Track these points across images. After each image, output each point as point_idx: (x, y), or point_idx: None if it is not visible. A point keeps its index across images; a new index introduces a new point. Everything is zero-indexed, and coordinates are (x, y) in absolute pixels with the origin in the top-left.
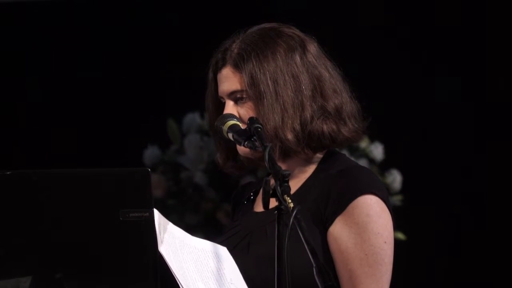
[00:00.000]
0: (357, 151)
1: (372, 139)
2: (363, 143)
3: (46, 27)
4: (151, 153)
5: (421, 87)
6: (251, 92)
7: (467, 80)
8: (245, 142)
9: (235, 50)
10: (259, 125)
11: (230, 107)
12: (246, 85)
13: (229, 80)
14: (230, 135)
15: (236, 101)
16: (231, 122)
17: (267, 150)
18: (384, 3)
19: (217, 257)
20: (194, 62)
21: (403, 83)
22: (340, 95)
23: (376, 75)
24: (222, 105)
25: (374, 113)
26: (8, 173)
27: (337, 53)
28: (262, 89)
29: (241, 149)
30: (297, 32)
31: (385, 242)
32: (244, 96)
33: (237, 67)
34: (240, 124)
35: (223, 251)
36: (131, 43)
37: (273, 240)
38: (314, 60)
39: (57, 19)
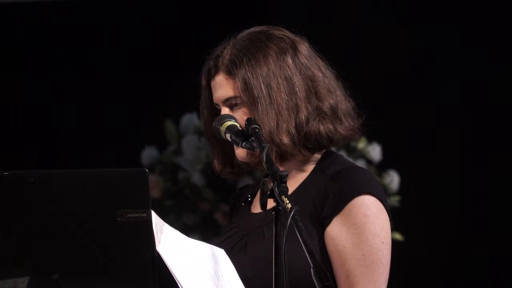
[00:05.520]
0: (355, 152)
1: (370, 140)
2: (361, 144)
3: (46, 28)
4: (148, 153)
5: (420, 88)
6: (245, 98)
7: (467, 81)
8: (242, 142)
9: (227, 57)
10: (257, 126)
11: (225, 114)
12: (240, 91)
13: (222, 87)
14: (227, 136)
15: (232, 107)
16: (229, 122)
17: (265, 150)
18: (384, 2)
19: (214, 258)
20: (192, 63)
21: (402, 84)
22: (334, 94)
23: (374, 76)
24: (217, 112)
25: (372, 114)
26: (6, 173)
27: (334, 53)
28: (256, 94)
29: (239, 154)
30: (287, 33)
31: (383, 243)
32: (239, 102)
33: (230, 73)
34: (238, 125)
35: (220, 252)
36: (130, 45)
37: (271, 240)
38: (306, 61)
39: (57, 20)
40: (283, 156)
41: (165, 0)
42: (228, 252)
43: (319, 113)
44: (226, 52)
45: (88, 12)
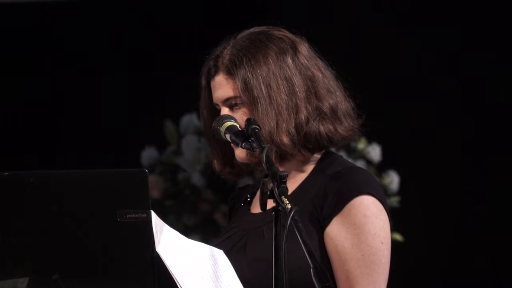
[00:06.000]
0: (354, 153)
1: (370, 141)
2: (361, 145)
3: (46, 28)
4: (148, 154)
5: (420, 88)
6: (245, 98)
7: (467, 81)
8: (242, 143)
9: (227, 57)
10: (257, 126)
11: (225, 114)
12: (240, 91)
13: (222, 87)
14: (227, 136)
15: (231, 107)
16: (229, 123)
17: (265, 151)
18: (384, 2)
19: (214, 259)
20: (192, 64)
21: (402, 84)
22: (334, 95)
23: (374, 76)
24: (217, 112)
25: (372, 114)
26: (5, 174)
27: (334, 54)
28: (256, 94)
29: (238, 154)
30: (287, 34)
31: (382, 243)
32: (239, 102)
33: (229, 73)
34: (238, 126)
35: (219, 253)
36: (130, 45)
37: (270, 241)
38: (306, 61)
39: (57, 20)
40: (283, 156)
41: (165, 0)
42: (228, 253)
43: (319, 114)
44: (226, 52)
45: (88, 12)
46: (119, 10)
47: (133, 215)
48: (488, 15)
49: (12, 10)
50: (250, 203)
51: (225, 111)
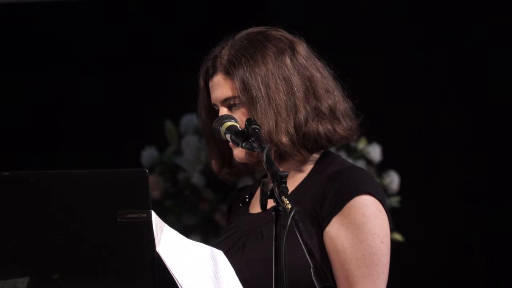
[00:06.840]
0: (355, 152)
1: (370, 141)
2: (361, 144)
3: (45, 28)
4: (148, 154)
5: (420, 88)
6: (244, 98)
7: (467, 81)
8: (242, 143)
9: (225, 57)
10: (257, 126)
11: (225, 114)
12: (238, 91)
13: (221, 87)
14: (227, 136)
15: (230, 107)
16: (229, 123)
17: (265, 151)
18: (384, 2)
19: (213, 259)
20: (192, 64)
21: (401, 84)
22: (332, 94)
23: (374, 76)
24: (215, 112)
25: (372, 114)
26: (6, 173)
27: (334, 54)
28: (254, 94)
29: (237, 154)
30: (286, 34)
31: (382, 242)
32: (237, 102)
33: (228, 73)
34: (238, 126)
35: (219, 254)
36: (130, 44)
37: (269, 241)
38: (304, 61)
39: (56, 20)
40: (282, 156)
41: (165, 0)
42: (226, 253)
43: (318, 113)
44: (224, 52)
45: (88, 11)
46: (119, 10)
47: (133, 215)
48: (489, 15)
49: (12, 10)
50: (248, 203)
51: (223, 111)
